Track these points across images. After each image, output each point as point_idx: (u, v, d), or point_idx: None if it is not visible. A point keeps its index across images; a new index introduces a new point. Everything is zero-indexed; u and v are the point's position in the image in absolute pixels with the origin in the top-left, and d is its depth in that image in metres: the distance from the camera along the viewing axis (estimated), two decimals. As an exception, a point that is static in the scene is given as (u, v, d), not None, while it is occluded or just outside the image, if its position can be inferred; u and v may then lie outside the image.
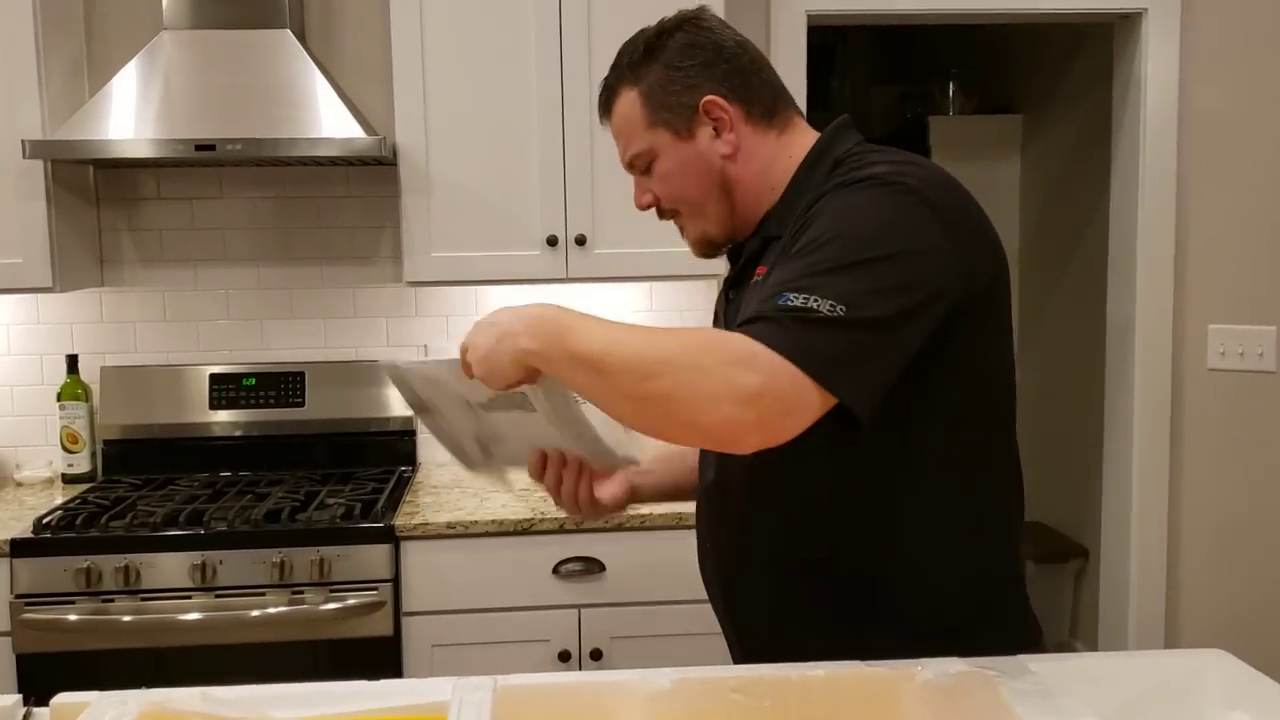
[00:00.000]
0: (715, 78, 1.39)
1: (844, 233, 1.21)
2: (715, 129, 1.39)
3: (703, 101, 1.38)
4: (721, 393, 1.12)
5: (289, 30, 2.71)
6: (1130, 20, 3.13)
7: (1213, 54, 3.05)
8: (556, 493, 1.50)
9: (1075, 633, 3.94)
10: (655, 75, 1.39)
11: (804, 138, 1.43)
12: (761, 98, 1.41)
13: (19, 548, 2.40)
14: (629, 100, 1.41)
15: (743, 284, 1.43)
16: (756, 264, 1.40)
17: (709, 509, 1.50)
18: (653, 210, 1.48)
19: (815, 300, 1.14)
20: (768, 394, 1.12)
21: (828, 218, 1.24)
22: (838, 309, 1.14)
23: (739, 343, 1.14)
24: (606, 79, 1.45)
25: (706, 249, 1.48)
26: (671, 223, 1.49)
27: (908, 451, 1.32)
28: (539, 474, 1.49)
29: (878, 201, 1.24)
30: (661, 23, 1.42)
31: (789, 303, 1.15)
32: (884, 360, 1.19)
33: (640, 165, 1.44)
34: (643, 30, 1.42)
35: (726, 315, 1.47)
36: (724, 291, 1.50)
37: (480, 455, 1.50)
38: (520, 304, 1.26)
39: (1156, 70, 3.08)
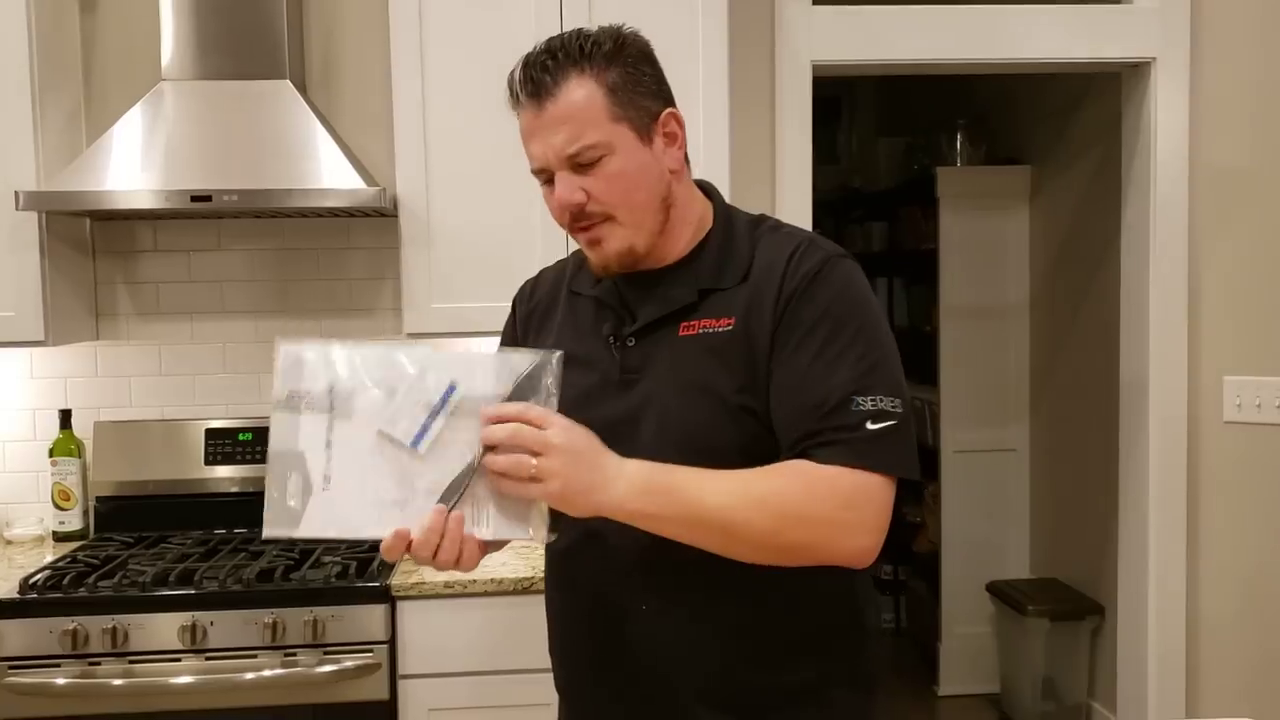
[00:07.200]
0: (665, 94, 1.42)
1: (863, 321, 1.34)
2: (667, 140, 1.41)
3: (666, 112, 1.40)
4: (850, 533, 1.28)
5: (289, 81, 2.68)
6: (1139, 70, 3.10)
7: (1223, 102, 3.02)
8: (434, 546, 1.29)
9: (1093, 693, 3.83)
10: (619, 72, 1.36)
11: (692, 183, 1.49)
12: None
13: (3, 609, 2.32)
14: (586, 89, 1.34)
15: (664, 330, 1.40)
16: (690, 315, 1.39)
17: (628, 569, 1.42)
18: None
19: (878, 401, 1.29)
20: (881, 515, 1.29)
21: (843, 305, 1.35)
22: (896, 403, 1.30)
23: (839, 479, 1.27)
24: (545, 60, 1.35)
25: (626, 261, 1.42)
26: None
27: None
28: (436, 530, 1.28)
29: (855, 279, 1.38)
30: (616, 27, 1.40)
31: (862, 408, 1.29)
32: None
33: (587, 159, 1.36)
34: (587, 29, 1.38)
35: (622, 360, 1.42)
36: (614, 334, 1.44)
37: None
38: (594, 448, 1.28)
39: (1166, 119, 3.05)
